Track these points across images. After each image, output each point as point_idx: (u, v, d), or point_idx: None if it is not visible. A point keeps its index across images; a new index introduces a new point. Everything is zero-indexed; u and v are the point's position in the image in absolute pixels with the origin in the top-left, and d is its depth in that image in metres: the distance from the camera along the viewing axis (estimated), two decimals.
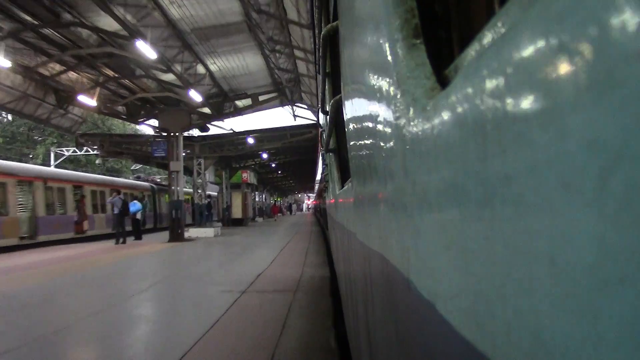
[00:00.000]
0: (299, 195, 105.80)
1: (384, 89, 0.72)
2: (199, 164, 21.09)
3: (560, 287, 0.25)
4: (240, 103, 18.63)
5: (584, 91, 0.22)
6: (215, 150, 22.04)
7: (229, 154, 22.91)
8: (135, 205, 16.93)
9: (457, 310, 0.42)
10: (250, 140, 21.36)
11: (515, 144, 0.29)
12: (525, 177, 0.28)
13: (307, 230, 21.58)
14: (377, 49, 0.76)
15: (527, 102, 0.27)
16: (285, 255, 10.45)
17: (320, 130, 5.15)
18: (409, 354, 0.67)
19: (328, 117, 2.27)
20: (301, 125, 22.06)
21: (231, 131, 20.91)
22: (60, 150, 34.39)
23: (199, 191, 20.71)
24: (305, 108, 22.61)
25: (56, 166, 31.23)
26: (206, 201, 21.67)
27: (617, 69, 0.20)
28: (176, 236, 15.84)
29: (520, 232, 0.29)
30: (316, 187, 26.10)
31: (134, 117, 17.10)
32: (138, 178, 33.01)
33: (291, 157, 28.57)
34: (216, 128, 20.72)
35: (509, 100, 0.29)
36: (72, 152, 33.46)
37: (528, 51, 0.27)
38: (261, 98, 17.87)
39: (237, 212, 28.96)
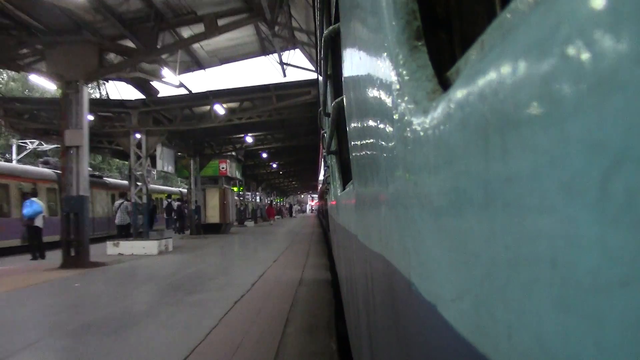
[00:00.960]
0: (302, 196, 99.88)
1: (385, 91, 0.72)
2: (139, 143, 13.49)
3: (562, 290, 0.25)
4: (188, 32, 10.80)
5: (586, 93, 0.22)
6: (164, 122, 14.36)
7: (186, 127, 14.92)
8: (32, 206, 12.09)
9: (459, 313, 0.42)
10: (220, 110, 13.94)
11: (517, 146, 0.29)
12: (527, 179, 0.28)
13: (305, 239, 16.48)
14: (378, 51, 0.76)
15: (528, 105, 0.27)
16: (259, 298, 5.69)
17: (321, 132, 5.16)
18: (410, 356, 0.67)
19: (329, 119, 2.28)
20: (292, 82, 14.07)
21: (188, 94, 13.67)
22: None
23: (139, 185, 13.41)
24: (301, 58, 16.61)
25: None
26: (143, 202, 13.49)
27: (620, 71, 0.20)
28: (73, 259, 9.33)
29: (522, 235, 0.29)
30: (319, 187, 19.34)
31: (11, 60, 10.13)
32: (46, 163, 21.86)
33: (286, 139, 21.25)
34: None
35: (511, 103, 0.29)
36: None
37: (530, 54, 0.27)
38: (222, 22, 10.01)
39: (213, 216, 21.75)
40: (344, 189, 2.43)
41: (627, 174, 0.20)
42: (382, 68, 0.73)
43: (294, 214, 59.90)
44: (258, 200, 45.63)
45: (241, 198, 31.02)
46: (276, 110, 15.07)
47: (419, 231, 0.56)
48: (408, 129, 0.57)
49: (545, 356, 0.27)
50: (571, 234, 0.24)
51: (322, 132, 4.67)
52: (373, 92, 0.86)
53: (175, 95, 14.30)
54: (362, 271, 1.38)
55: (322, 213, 19.74)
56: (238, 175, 25.16)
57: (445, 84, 0.51)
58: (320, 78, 3.50)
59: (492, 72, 0.32)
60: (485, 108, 0.33)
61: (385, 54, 0.70)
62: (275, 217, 46.81)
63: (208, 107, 14.19)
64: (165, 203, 23.55)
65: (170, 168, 17.53)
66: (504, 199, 0.31)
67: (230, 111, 14.71)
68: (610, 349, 0.21)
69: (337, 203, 3.27)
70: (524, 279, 0.29)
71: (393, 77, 0.65)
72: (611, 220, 0.21)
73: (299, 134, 20.67)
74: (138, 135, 13.86)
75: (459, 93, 0.39)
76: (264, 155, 26.90)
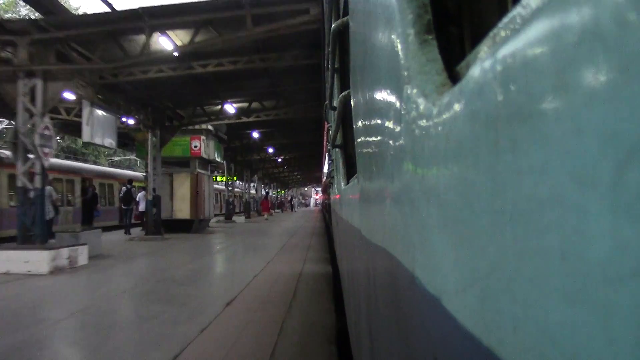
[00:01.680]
0: (305, 189, 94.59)
1: (393, 85, 0.72)
2: (30, 90, 8.38)
3: (571, 282, 0.25)
4: None
5: (598, 86, 0.22)
6: (71, 58, 9.00)
7: (103, 65, 9.23)
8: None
9: (464, 306, 0.42)
10: (166, 42, 9.16)
11: (527, 139, 0.29)
12: (537, 172, 0.28)
13: (303, 243, 12.65)
14: (387, 44, 0.76)
15: (539, 98, 0.27)
16: None
17: (327, 125, 5.15)
18: (412, 349, 0.67)
19: (335, 112, 2.27)
20: None
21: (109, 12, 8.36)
22: None
23: (31, 158, 8.30)
24: None
25: None
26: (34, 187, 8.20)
27: (634, 63, 0.20)
28: None
29: (530, 227, 0.29)
30: (323, 179, 16.03)
31: None
32: None
33: (282, 109, 15.92)
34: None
35: (521, 97, 0.29)
36: None
37: (541, 47, 0.27)
38: None
39: (181, 210, 16.61)
40: (348, 182, 2.44)
41: (639, 167, 0.20)
42: (391, 61, 0.73)
43: (294, 208, 54.66)
44: (254, 192, 39.96)
45: (229, 188, 26.86)
46: (258, 54, 10.59)
47: (425, 225, 0.56)
48: (416, 122, 0.57)
49: (551, 349, 0.27)
50: (582, 226, 0.24)
51: (328, 125, 4.66)
52: (381, 86, 0.86)
53: (88, 15, 9.31)
54: (365, 265, 1.39)
55: (327, 208, 15.60)
56: (218, 157, 19.05)
57: (454, 78, 0.51)
58: (328, 73, 3.49)
59: (503, 66, 0.32)
60: (495, 102, 0.33)
61: (394, 47, 0.70)
62: (275, 210, 43.54)
63: (143, 37, 8.72)
64: (123, 190, 16.61)
65: (110, 142, 11.39)
66: (513, 192, 0.31)
67: (188, 55, 10.17)
68: (620, 342, 0.21)
69: (341, 197, 3.27)
70: (531, 271, 0.29)
71: (402, 71, 0.65)
72: (623, 212, 0.21)
73: (298, 102, 15.80)
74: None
75: (468, 87, 0.39)
76: (255, 134, 21.23)
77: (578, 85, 0.23)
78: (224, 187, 41.05)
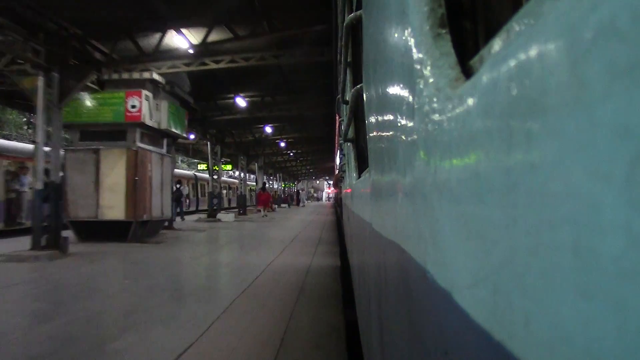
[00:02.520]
0: (317, 182, 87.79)
1: (406, 79, 0.72)
2: None
3: (585, 277, 0.25)
4: None
5: (613, 80, 0.22)
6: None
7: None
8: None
9: (475, 300, 0.42)
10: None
11: (542, 133, 0.29)
12: (551, 166, 0.28)
13: (302, 262, 7.74)
14: (400, 38, 0.76)
15: (553, 93, 0.27)
16: None
17: (339, 119, 5.14)
18: (422, 343, 0.68)
19: (348, 106, 2.27)
20: None
21: None
22: None
23: None
24: None
25: None
26: None
27: None
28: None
29: (544, 221, 0.29)
30: (336, 171, 13.48)
31: None
32: None
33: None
34: None
35: (536, 91, 0.29)
36: None
37: (555, 41, 0.27)
38: None
39: (112, 206, 10.59)
40: (359, 176, 2.44)
41: None
42: (404, 55, 0.73)
43: (302, 202, 46.19)
44: (253, 183, 36.74)
45: (214, 177, 20.92)
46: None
47: (437, 219, 0.56)
48: (429, 117, 0.57)
49: (562, 344, 0.27)
50: (595, 221, 0.24)
51: (340, 119, 4.65)
52: (394, 80, 0.85)
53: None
54: (375, 258, 1.39)
55: (339, 202, 13.35)
56: (176, 128, 12.52)
57: (468, 73, 0.51)
58: (340, 66, 3.48)
59: (517, 61, 0.32)
60: (508, 97, 0.33)
61: (407, 41, 0.70)
62: (280, 205, 38.12)
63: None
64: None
65: None
66: (527, 185, 0.31)
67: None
68: (633, 337, 0.21)
69: (352, 191, 3.27)
70: (543, 266, 0.29)
71: (415, 65, 0.65)
72: (637, 207, 0.20)
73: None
74: None
75: (482, 81, 0.39)
76: (241, 103, 15.37)
77: (592, 80, 0.23)
78: (233, 180, 39.70)
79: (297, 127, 22.24)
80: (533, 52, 0.29)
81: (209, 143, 20.43)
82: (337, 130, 8.22)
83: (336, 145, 10.62)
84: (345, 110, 2.92)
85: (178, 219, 18.32)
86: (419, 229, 0.67)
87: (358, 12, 1.77)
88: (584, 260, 0.25)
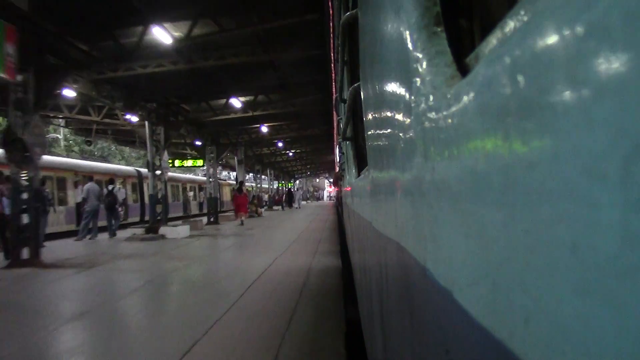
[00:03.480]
0: (317, 180, 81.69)
1: (403, 77, 0.72)
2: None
3: (582, 275, 0.25)
4: None
5: (608, 79, 0.22)
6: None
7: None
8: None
9: (475, 298, 0.42)
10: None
11: (538, 131, 0.29)
12: (548, 164, 0.28)
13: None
14: (397, 36, 0.76)
15: (549, 90, 0.27)
16: None
17: (337, 118, 5.14)
18: (424, 342, 0.68)
19: (346, 105, 2.27)
20: None
21: None
22: None
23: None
24: None
25: None
26: None
27: None
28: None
29: (542, 220, 0.29)
30: (336, 169, 11.97)
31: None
32: None
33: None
34: None
35: (531, 89, 0.29)
36: None
37: (550, 39, 0.27)
38: None
39: None
40: (359, 175, 2.44)
41: None
42: (401, 54, 0.73)
43: (295, 204, 35.84)
44: (233, 181, 30.94)
45: (157, 172, 13.74)
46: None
47: (436, 217, 0.56)
48: (426, 114, 0.57)
49: (562, 342, 0.27)
50: (592, 219, 0.24)
51: (338, 118, 4.65)
52: (391, 78, 0.85)
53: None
54: (376, 257, 1.39)
55: (340, 201, 12.85)
56: None
57: (464, 70, 0.51)
58: (338, 65, 3.49)
59: (512, 58, 0.32)
60: (504, 94, 0.33)
61: (404, 39, 0.70)
62: (272, 208, 32.89)
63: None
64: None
65: None
66: (524, 184, 0.31)
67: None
68: (631, 335, 0.21)
69: (352, 189, 3.28)
70: (542, 264, 0.29)
71: (411, 63, 0.65)
72: (633, 205, 0.20)
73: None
74: None
75: (477, 79, 0.39)
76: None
77: (588, 78, 0.23)
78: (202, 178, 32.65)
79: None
80: (528, 49, 0.29)
81: (147, 123, 13.54)
82: (334, 125, 8.11)
83: (335, 142, 10.45)
84: (343, 108, 2.92)
85: (104, 235, 12.68)
86: (418, 227, 0.67)
87: (354, 11, 1.77)
88: (582, 258, 0.25)
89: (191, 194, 30.28)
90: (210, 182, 19.23)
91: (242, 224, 16.95)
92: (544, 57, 0.27)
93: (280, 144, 26.86)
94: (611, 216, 0.22)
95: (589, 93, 0.23)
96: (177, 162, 24.44)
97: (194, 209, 29.94)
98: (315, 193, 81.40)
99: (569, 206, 0.26)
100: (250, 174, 38.38)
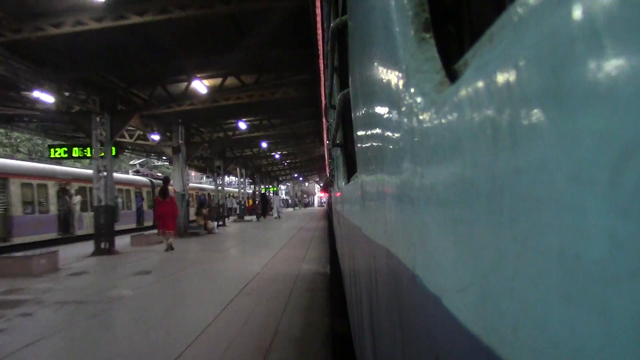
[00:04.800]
0: (306, 184, 73.42)
1: (392, 83, 0.72)
2: None
3: (570, 282, 0.25)
4: None
5: (596, 86, 0.22)
6: None
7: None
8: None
9: (464, 305, 0.42)
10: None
11: (526, 138, 0.29)
12: (535, 171, 0.28)
13: None
14: (386, 42, 0.76)
15: (537, 97, 0.27)
16: None
17: (326, 124, 5.15)
18: (414, 348, 0.67)
19: (335, 111, 2.28)
20: None
21: None
22: None
23: None
24: None
25: None
26: None
27: (630, 63, 0.20)
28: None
29: (530, 227, 0.29)
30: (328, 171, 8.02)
31: None
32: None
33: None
34: None
35: (519, 95, 0.29)
36: None
37: (538, 45, 0.27)
38: None
39: None
40: (348, 181, 2.44)
41: (636, 165, 0.20)
42: (390, 60, 0.73)
43: (275, 213, 28.59)
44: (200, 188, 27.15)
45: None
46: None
47: (425, 224, 0.56)
48: (415, 121, 0.57)
49: (551, 349, 0.27)
50: (580, 226, 0.24)
51: (327, 124, 4.66)
52: (380, 84, 0.86)
53: None
54: (366, 263, 1.39)
55: (331, 207, 11.13)
56: None
57: (453, 77, 0.51)
58: (327, 71, 3.50)
59: (501, 65, 0.32)
60: (493, 100, 0.33)
61: (393, 46, 0.70)
62: (246, 218, 26.42)
63: None
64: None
65: None
66: (512, 191, 0.31)
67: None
68: (619, 342, 0.21)
69: (342, 195, 3.28)
70: (531, 271, 0.29)
71: (400, 69, 0.65)
72: (620, 211, 0.21)
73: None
74: None
75: (466, 85, 0.39)
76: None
77: (575, 84, 0.23)
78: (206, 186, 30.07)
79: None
80: (517, 55, 0.30)
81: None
82: (324, 128, 7.92)
83: (325, 143, 10.30)
84: (333, 115, 2.93)
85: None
86: (407, 233, 0.67)
87: (344, 17, 1.78)
88: (570, 264, 0.25)
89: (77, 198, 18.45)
90: (101, 178, 11.02)
91: (168, 249, 10.53)
92: (532, 64, 0.28)
93: (264, 144, 22.61)
94: (598, 222, 0.22)
95: (576, 99, 0.23)
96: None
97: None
98: (305, 198, 74.09)
99: (557, 212, 0.26)
100: (232, 178, 34.48)
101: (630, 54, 0.20)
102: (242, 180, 30.07)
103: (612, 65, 0.21)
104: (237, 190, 32.11)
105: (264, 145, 22.53)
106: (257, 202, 30.01)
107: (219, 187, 23.24)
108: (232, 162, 24.59)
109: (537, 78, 0.27)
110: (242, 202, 29.61)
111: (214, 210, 15.01)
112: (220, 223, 19.70)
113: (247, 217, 27.35)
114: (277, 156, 28.97)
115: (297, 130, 19.43)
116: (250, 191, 37.18)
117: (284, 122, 17.63)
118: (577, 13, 0.23)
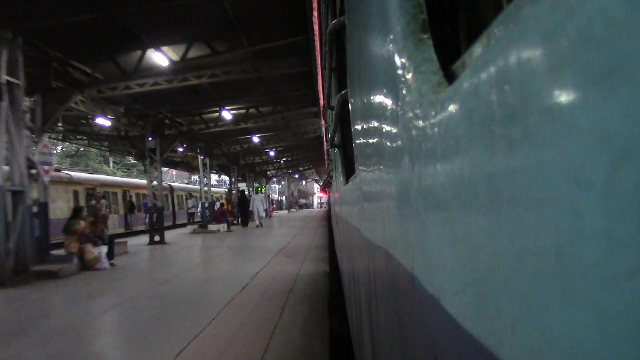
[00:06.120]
0: (304, 183, 63.84)
1: (390, 84, 0.72)
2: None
3: (567, 283, 0.25)
4: None
5: (592, 87, 0.22)
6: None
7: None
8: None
9: (462, 306, 0.42)
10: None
11: (523, 139, 0.29)
12: (532, 172, 0.28)
13: None
14: (383, 43, 0.76)
15: (534, 98, 0.27)
16: None
17: (325, 125, 5.15)
18: (412, 349, 0.67)
19: (333, 112, 2.28)
20: None
21: None
22: None
23: None
24: None
25: None
26: None
27: (627, 64, 0.20)
28: None
29: (527, 227, 0.29)
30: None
31: None
32: None
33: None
34: None
35: (516, 96, 0.29)
36: None
37: (535, 46, 0.27)
38: None
39: None
40: (347, 182, 2.44)
41: (633, 166, 0.20)
42: (387, 61, 0.73)
43: (257, 219, 18.99)
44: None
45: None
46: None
47: (423, 224, 0.56)
48: (413, 122, 0.57)
49: (549, 349, 0.27)
50: (577, 227, 0.24)
51: (326, 125, 4.66)
52: (378, 85, 0.86)
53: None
54: (365, 264, 1.39)
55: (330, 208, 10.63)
56: None
57: (450, 78, 0.51)
58: (325, 72, 3.50)
59: (498, 66, 0.32)
60: (490, 101, 0.33)
61: (390, 47, 0.70)
62: (229, 228, 16.73)
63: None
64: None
65: None
66: (509, 191, 0.31)
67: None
68: (616, 342, 0.21)
69: (341, 196, 3.28)
70: (528, 271, 0.29)
71: (398, 70, 0.65)
72: (617, 212, 0.21)
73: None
74: None
75: (464, 86, 0.39)
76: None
77: (572, 85, 0.23)
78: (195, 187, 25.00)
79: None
80: (513, 56, 0.30)
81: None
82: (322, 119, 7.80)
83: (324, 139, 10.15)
84: (331, 116, 2.93)
85: None
86: (406, 234, 0.67)
87: (341, 18, 1.78)
88: (567, 265, 0.25)
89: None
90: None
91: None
92: (530, 65, 0.28)
93: (255, 139, 19.30)
94: (595, 223, 0.22)
95: (574, 100, 0.23)
96: None
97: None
98: (302, 199, 65.28)
99: (554, 213, 0.26)
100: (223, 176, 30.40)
101: (627, 56, 0.20)
102: (204, 172, 19.73)
103: (609, 66, 0.21)
104: (198, 187, 24.15)
105: (255, 139, 19.33)
106: (232, 206, 22.12)
107: (154, 182, 13.94)
108: (218, 159, 20.80)
109: (533, 79, 0.27)
110: (206, 204, 19.80)
111: (99, 222, 8.62)
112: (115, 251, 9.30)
113: (212, 227, 17.29)
114: (271, 153, 24.94)
115: (291, 120, 16.52)
116: (225, 190, 29.27)
117: (276, 109, 14.80)
118: (573, 15, 0.23)
